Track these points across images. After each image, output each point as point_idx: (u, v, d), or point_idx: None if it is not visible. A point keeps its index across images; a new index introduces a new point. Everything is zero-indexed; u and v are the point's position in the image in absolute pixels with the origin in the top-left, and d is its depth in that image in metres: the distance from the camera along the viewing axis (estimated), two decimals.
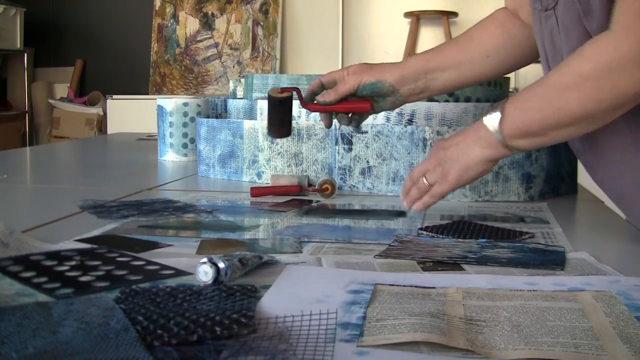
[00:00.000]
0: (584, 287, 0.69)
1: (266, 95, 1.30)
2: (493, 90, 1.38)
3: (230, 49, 4.72)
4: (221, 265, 0.67)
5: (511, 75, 4.34)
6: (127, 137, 2.74)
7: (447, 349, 0.53)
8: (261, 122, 1.39)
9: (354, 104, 1.12)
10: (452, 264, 0.79)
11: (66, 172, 1.84)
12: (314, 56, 4.76)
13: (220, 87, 4.69)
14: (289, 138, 1.33)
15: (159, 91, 4.74)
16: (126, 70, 5.04)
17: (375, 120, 1.33)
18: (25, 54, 5.03)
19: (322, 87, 1.13)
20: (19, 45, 4.90)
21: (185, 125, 1.80)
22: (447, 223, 1.00)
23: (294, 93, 1.12)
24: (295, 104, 1.17)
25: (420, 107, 1.30)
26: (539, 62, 1.05)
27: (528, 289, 0.68)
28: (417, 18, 4.49)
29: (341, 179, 1.33)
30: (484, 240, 0.91)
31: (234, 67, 4.70)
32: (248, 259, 0.73)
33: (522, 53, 1.11)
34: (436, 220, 1.04)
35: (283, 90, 1.11)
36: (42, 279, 0.69)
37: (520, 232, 0.95)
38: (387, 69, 1.10)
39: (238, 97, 1.80)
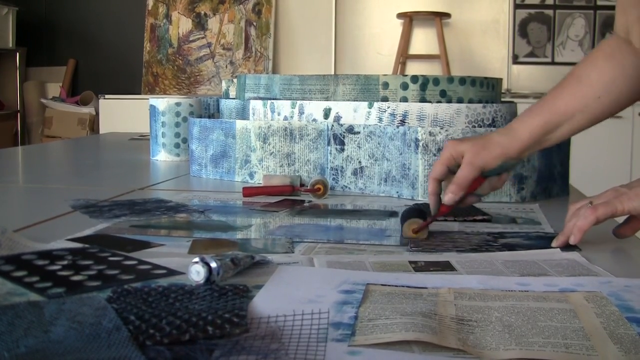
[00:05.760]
0: (575, 287, 0.69)
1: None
2: (485, 92, 1.38)
3: (223, 49, 4.72)
4: (213, 265, 0.67)
5: (503, 75, 4.32)
6: (120, 137, 2.74)
7: (439, 349, 0.53)
8: (253, 122, 1.39)
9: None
10: (445, 264, 0.79)
11: (58, 172, 1.84)
12: (307, 56, 4.76)
13: (212, 87, 4.69)
14: (281, 137, 1.34)
15: (152, 91, 4.74)
16: (119, 69, 5.03)
17: (367, 121, 1.33)
18: (18, 53, 5.01)
19: (439, 185, 1.00)
20: (11, 45, 4.88)
21: (177, 125, 1.80)
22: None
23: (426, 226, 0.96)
24: None
25: (413, 108, 1.31)
26: None
27: (519, 289, 0.69)
28: (410, 19, 4.50)
29: (333, 179, 1.33)
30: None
31: (226, 67, 4.69)
32: (240, 259, 0.73)
33: (636, 85, 1.00)
34: None
35: (416, 230, 0.94)
36: (34, 279, 0.69)
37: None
38: (504, 144, 0.98)
39: (230, 97, 1.80)
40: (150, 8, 4.83)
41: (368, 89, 1.36)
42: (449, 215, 1.03)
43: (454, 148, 0.99)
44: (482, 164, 0.97)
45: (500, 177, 1.00)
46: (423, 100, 1.34)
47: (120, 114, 4.36)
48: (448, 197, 0.97)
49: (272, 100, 1.43)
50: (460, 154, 0.98)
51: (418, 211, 0.97)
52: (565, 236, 0.89)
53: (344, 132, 1.31)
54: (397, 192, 1.26)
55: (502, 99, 1.51)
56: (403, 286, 0.69)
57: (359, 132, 1.30)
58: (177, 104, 1.79)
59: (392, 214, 1.11)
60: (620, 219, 0.94)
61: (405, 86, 1.34)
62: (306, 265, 0.78)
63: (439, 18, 4.42)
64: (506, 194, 1.22)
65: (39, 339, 0.52)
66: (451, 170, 0.99)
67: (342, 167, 1.32)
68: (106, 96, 4.50)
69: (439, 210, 0.98)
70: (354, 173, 1.31)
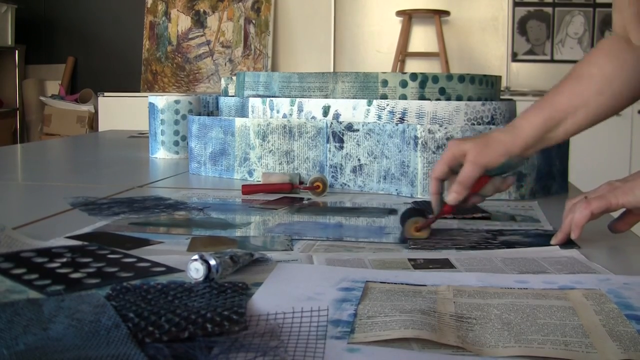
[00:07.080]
0: (574, 285, 0.69)
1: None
2: (484, 89, 1.38)
3: (222, 46, 4.71)
4: (212, 262, 0.67)
5: (502, 73, 4.33)
6: (119, 135, 2.73)
7: (438, 346, 0.53)
8: (252, 120, 1.39)
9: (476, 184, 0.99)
10: (444, 262, 0.79)
11: (57, 170, 1.84)
12: (306, 54, 4.76)
13: (212, 85, 4.68)
14: (280, 135, 1.34)
15: (151, 89, 4.73)
16: (118, 67, 5.03)
17: (366, 118, 1.33)
18: (17, 51, 5.00)
19: (442, 184, 0.99)
20: (10, 42, 4.88)
21: (176, 122, 1.80)
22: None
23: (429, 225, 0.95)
24: None
25: (412, 105, 1.31)
26: None
27: (519, 287, 0.69)
28: (409, 17, 4.50)
29: (332, 177, 1.33)
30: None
31: (225, 65, 4.69)
32: (239, 257, 0.73)
33: (636, 82, 1.00)
34: None
35: (419, 228, 0.92)
36: (33, 276, 0.69)
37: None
38: (507, 142, 0.98)
39: (230, 94, 1.80)
40: (149, 6, 4.83)
41: (367, 86, 1.36)
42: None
43: (456, 147, 0.98)
44: (485, 162, 0.96)
45: (505, 180, 1.00)
46: (422, 97, 1.34)
47: (119, 111, 4.35)
48: (452, 197, 0.96)
49: (271, 98, 1.43)
50: (462, 153, 0.97)
51: (419, 211, 0.97)
52: (564, 233, 0.89)
53: (343, 130, 1.31)
54: (396, 190, 1.26)
55: (501, 97, 1.51)
56: (402, 284, 0.69)
57: (358, 130, 1.30)
58: (176, 102, 1.79)
59: (391, 211, 1.11)
60: (616, 214, 0.94)
61: (404, 84, 1.34)
62: (305, 263, 0.78)
63: (438, 16, 4.42)
64: (505, 191, 1.22)
65: (38, 336, 0.52)
66: (453, 170, 0.98)
67: (341, 164, 1.32)
68: (105, 94, 4.50)
69: (441, 210, 0.97)
70: (353, 171, 1.31)
